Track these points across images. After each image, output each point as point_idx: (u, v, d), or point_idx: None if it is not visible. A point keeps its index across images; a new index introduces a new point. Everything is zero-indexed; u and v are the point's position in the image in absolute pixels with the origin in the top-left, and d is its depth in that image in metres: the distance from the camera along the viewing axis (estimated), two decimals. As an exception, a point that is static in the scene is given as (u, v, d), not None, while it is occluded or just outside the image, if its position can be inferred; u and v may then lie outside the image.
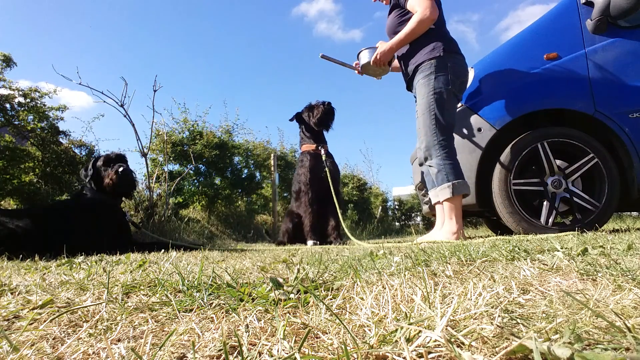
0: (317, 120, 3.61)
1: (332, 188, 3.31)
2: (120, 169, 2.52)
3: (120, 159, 2.68)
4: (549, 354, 0.34)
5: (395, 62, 2.91)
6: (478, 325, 0.45)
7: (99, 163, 2.64)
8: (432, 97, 2.44)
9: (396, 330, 0.43)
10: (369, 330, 0.47)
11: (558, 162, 2.50)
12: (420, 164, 2.57)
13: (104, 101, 4.36)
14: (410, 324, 0.44)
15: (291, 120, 3.81)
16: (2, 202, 4.32)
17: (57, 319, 0.60)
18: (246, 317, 0.57)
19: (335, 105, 3.73)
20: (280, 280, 0.75)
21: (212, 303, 0.66)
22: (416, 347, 0.39)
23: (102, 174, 2.60)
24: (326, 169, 3.44)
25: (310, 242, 3.36)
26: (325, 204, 3.44)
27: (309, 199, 3.46)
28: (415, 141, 2.66)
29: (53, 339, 0.51)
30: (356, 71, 2.97)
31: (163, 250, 2.22)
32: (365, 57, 2.76)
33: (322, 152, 3.54)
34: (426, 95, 2.46)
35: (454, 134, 2.60)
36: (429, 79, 2.46)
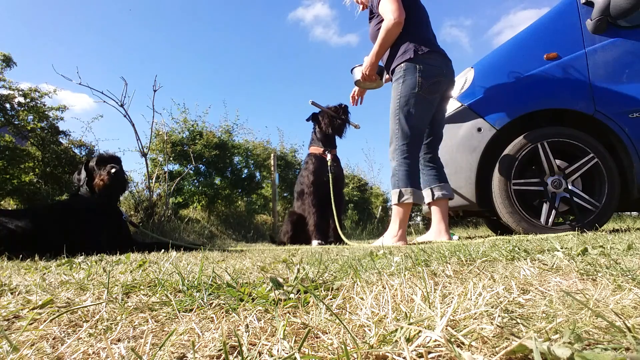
0: (330, 128, 3.63)
1: (332, 193, 3.33)
2: (113, 170, 2.47)
3: (114, 160, 2.63)
4: (549, 353, 0.34)
5: None
6: (478, 325, 0.45)
7: (92, 163, 2.58)
8: (397, 101, 2.48)
9: (396, 330, 0.43)
10: (369, 330, 0.47)
11: (558, 162, 2.50)
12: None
13: (104, 101, 4.37)
14: (410, 324, 0.44)
15: (308, 120, 3.82)
16: (2, 202, 4.32)
17: (57, 319, 0.60)
18: (246, 317, 0.57)
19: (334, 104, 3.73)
20: (280, 280, 0.75)
21: (212, 303, 0.66)
22: (416, 347, 0.39)
23: (94, 174, 2.54)
24: (329, 173, 3.45)
25: (315, 242, 3.40)
26: (328, 207, 3.47)
27: (312, 201, 3.49)
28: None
29: (53, 339, 0.51)
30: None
31: (163, 250, 2.22)
32: (358, 74, 2.78)
33: (329, 157, 3.56)
34: (393, 100, 2.51)
35: (443, 134, 2.64)
36: (398, 83, 2.49)
